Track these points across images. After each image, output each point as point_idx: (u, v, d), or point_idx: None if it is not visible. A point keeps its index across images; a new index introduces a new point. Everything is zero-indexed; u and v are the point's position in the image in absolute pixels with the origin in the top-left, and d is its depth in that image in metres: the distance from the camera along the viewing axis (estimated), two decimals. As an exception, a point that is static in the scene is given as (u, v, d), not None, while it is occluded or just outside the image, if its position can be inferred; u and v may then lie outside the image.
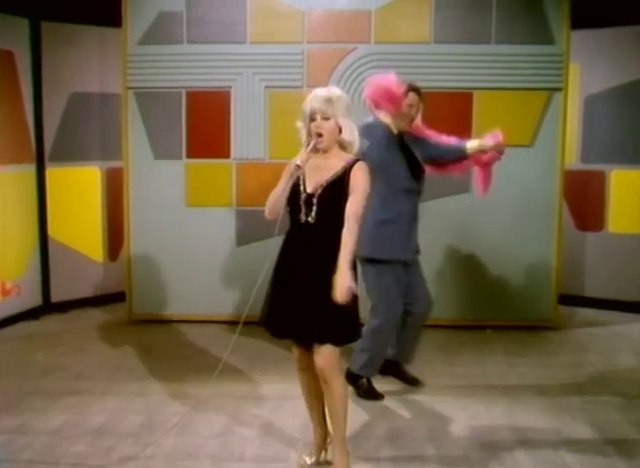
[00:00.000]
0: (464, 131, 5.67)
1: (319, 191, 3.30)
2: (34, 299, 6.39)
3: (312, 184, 3.33)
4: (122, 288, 6.37)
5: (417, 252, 4.53)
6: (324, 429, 3.60)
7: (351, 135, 3.34)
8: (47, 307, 6.50)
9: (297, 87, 5.97)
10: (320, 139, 3.30)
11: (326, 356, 3.30)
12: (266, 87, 6.04)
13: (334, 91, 3.36)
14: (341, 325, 3.32)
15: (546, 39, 5.88)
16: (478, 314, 6.09)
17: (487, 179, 4.59)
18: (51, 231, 6.48)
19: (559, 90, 5.93)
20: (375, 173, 4.14)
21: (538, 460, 3.69)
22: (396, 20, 5.93)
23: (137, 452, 3.70)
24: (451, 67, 5.88)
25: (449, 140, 4.48)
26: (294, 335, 3.43)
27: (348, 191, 3.27)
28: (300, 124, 3.38)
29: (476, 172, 4.65)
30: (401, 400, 4.50)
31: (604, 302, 6.65)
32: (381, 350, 4.51)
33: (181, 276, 6.19)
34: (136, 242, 6.19)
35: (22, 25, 6.14)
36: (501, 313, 6.10)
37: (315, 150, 3.33)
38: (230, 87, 6.06)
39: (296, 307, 3.30)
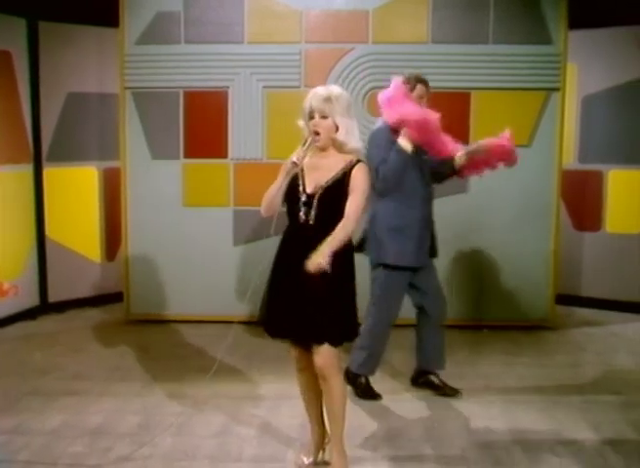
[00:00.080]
0: (462, 131, 5.69)
1: (319, 192, 3.29)
2: (32, 299, 6.38)
3: (312, 185, 3.32)
4: (119, 288, 6.37)
5: (431, 255, 4.50)
6: (322, 429, 3.60)
7: (346, 135, 3.32)
8: (44, 307, 6.50)
9: (294, 87, 5.96)
10: (317, 138, 3.30)
11: (325, 355, 3.30)
12: (264, 87, 6.04)
13: (333, 89, 3.35)
14: (339, 324, 3.32)
15: (544, 39, 5.88)
16: (475, 314, 6.09)
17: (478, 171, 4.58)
18: (48, 231, 6.47)
19: (557, 90, 5.93)
20: (386, 179, 4.20)
21: (535, 460, 3.69)
22: (394, 20, 5.93)
23: (134, 453, 3.70)
24: (448, 67, 5.88)
25: (453, 147, 4.45)
26: (292, 336, 3.43)
27: (348, 192, 3.28)
28: (301, 122, 3.38)
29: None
30: (399, 399, 4.50)
31: (601, 302, 6.65)
32: (379, 348, 4.51)
33: (179, 276, 6.19)
34: (133, 242, 6.18)
35: (20, 25, 6.14)
36: (499, 313, 6.10)
37: (312, 148, 3.32)
38: (228, 87, 6.06)
39: (294, 307, 3.30)
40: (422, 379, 4.64)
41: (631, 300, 6.54)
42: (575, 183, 6.60)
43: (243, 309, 5.84)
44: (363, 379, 4.53)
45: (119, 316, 6.32)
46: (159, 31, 6.01)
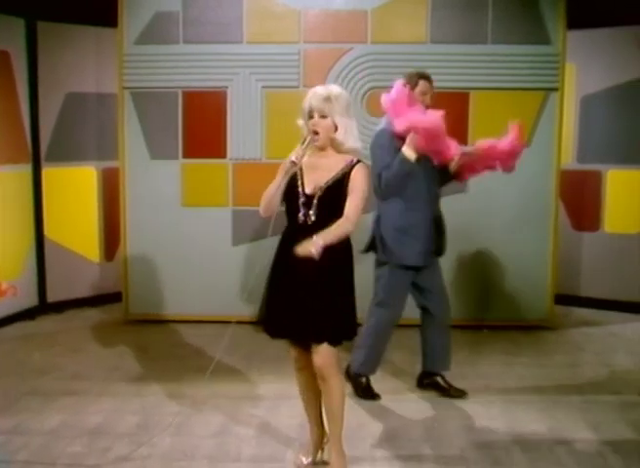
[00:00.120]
0: (461, 131, 5.70)
1: (319, 193, 3.28)
2: (30, 300, 6.38)
3: (311, 185, 3.32)
4: (118, 288, 6.37)
5: (438, 253, 4.49)
6: (321, 429, 3.60)
7: (345, 135, 3.31)
8: (43, 307, 6.49)
9: (293, 87, 5.96)
10: (316, 137, 3.30)
11: (324, 354, 3.30)
12: (263, 87, 6.04)
13: (333, 89, 3.34)
14: (339, 324, 3.32)
15: (542, 39, 5.89)
16: (474, 314, 6.09)
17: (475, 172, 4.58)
18: (47, 231, 6.47)
19: (555, 90, 5.93)
20: (388, 185, 4.19)
21: (534, 460, 3.69)
22: (393, 20, 5.93)
23: (132, 453, 3.70)
24: (447, 67, 5.88)
25: (455, 151, 4.43)
26: (291, 335, 3.42)
27: (347, 192, 3.27)
28: (300, 121, 3.38)
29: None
30: (398, 399, 4.50)
31: (600, 302, 6.66)
32: (380, 348, 4.50)
33: (178, 276, 6.19)
34: (132, 242, 6.18)
35: (18, 25, 6.13)
36: (498, 313, 6.11)
37: (311, 147, 3.32)
38: (227, 87, 6.06)
39: (293, 307, 3.30)
40: (428, 381, 4.63)
41: (630, 300, 6.55)
42: (573, 183, 6.60)
43: (242, 309, 5.85)
44: (364, 379, 4.53)
45: (118, 316, 6.32)
46: (158, 31, 6.01)
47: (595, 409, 4.37)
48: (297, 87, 5.95)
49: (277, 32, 5.96)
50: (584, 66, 6.53)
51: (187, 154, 6.13)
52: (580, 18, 6.08)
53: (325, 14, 5.97)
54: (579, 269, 6.77)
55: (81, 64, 6.51)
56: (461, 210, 5.93)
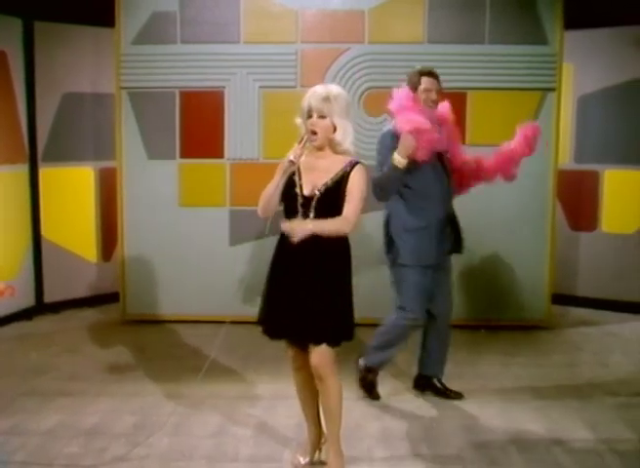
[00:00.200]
0: (458, 131, 5.68)
1: (318, 195, 3.28)
2: (27, 300, 6.37)
3: (309, 187, 3.31)
4: (116, 288, 6.36)
5: (456, 251, 4.48)
6: (318, 429, 3.61)
7: (343, 135, 3.31)
8: (40, 308, 6.48)
9: (290, 87, 5.96)
10: (314, 137, 3.29)
11: (321, 355, 3.30)
12: (260, 87, 6.04)
13: (332, 89, 3.34)
14: (337, 324, 3.32)
15: (540, 39, 5.89)
16: (472, 314, 6.08)
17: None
18: (44, 231, 6.46)
19: (552, 90, 5.94)
20: (375, 189, 4.18)
21: (531, 460, 3.69)
22: (390, 20, 5.93)
23: (129, 453, 3.69)
24: (444, 67, 5.80)
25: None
26: (290, 336, 3.42)
27: (346, 193, 3.27)
28: (298, 120, 3.38)
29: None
30: (396, 399, 4.50)
31: (597, 302, 6.66)
32: (393, 348, 4.44)
33: (175, 276, 6.18)
34: (129, 242, 6.18)
35: (15, 25, 6.12)
36: (495, 313, 6.11)
37: (308, 146, 3.32)
38: (224, 87, 6.06)
39: (292, 308, 3.30)
40: (424, 383, 4.62)
41: (627, 300, 6.55)
42: (571, 183, 6.61)
43: (240, 309, 5.84)
44: (372, 376, 4.49)
45: (115, 316, 6.31)
46: (155, 31, 6.01)
47: (592, 408, 4.37)
48: (294, 87, 5.95)
49: (274, 32, 5.96)
50: (582, 66, 6.53)
51: (185, 154, 6.13)
52: (577, 18, 6.09)
53: (322, 14, 5.96)
54: (576, 269, 6.77)
55: (78, 64, 6.50)
56: (459, 210, 5.89)
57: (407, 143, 4.02)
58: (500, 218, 5.99)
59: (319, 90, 3.32)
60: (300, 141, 3.29)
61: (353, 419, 4.07)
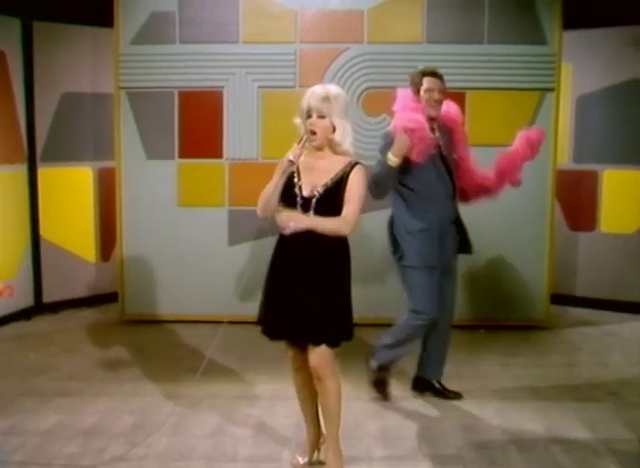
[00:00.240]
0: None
1: (317, 196, 3.28)
2: (26, 300, 6.36)
3: (308, 187, 3.31)
4: (114, 288, 6.35)
5: (464, 251, 4.46)
6: (317, 429, 3.60)
7: (342, 136, 3.31)
8: (39, 308, 6.48)
9: (289, 87, 5.96)
10: (314, 137, 3.29)
11: (321, 355, 3.30)
12: (259, 87, 6.04)
13: (332, 89, 3.34)
14: (337, 325, 3.32)
15: (539, 39, 5.89)
16: (471, 314, 6.08)
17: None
18: (43, 231, 6.45)
19: (551, 90, 5.94)
20: (370, 186, 4.17)
21: (530, 460, 3.69)
22: (389, 20, 5.93)
23: (128, 453, 3.69)
24: (443, 67, 5.75)
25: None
26: (290, 336, 3.42)
27: (346, 193, 3.27)
28: (297, 120, 3.37)
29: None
30: (394, 399, 4.50)
31: (596, 302, 6.66)
32: (403, 348, 4.42)
33: (174, 276, 6.18)
34: (128, 242, 6.17)
35: (14, 25, 6.12)
36: (494, 313, 6.11)
37: (307, 146, 3.31)
38: (223, 87, 6.06)
39: (292, 308, 3.30)
40: (423, 384, 4.60)
41: (626, 300, 6.55)
42: (569, 183, 6.60)
43: (238, 309, 5.83)
44: (384, 375, 4.46)
45: (114, 316, 6.31)
46: (154, 31, 6.00)
47: (591, 408, 4.37)
48: (293, 87, 5.95)
49: (273, 32, 5.96)
50: (580, 66, 6.53)
51: (183, 154, 6.13)
52: (576, 18, 6.09)
53: (321, 14, 5.96)
54: (575, 269, 6.77)
55: (77, 64, 6.50)
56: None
57: (401, 142, 4.02)
58: (500, 218, 5.98)
59: (318, 90, 3.32)
60: (300, 141, 3.29)
61: (352, 419, 4.06)
